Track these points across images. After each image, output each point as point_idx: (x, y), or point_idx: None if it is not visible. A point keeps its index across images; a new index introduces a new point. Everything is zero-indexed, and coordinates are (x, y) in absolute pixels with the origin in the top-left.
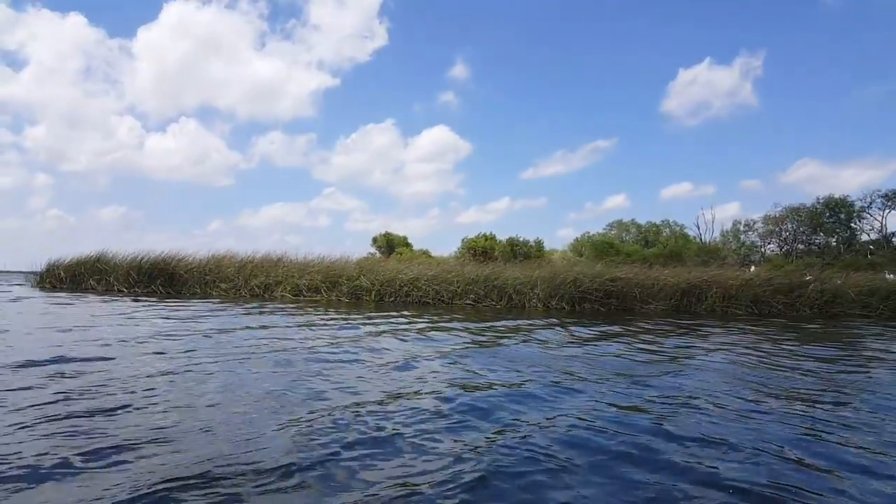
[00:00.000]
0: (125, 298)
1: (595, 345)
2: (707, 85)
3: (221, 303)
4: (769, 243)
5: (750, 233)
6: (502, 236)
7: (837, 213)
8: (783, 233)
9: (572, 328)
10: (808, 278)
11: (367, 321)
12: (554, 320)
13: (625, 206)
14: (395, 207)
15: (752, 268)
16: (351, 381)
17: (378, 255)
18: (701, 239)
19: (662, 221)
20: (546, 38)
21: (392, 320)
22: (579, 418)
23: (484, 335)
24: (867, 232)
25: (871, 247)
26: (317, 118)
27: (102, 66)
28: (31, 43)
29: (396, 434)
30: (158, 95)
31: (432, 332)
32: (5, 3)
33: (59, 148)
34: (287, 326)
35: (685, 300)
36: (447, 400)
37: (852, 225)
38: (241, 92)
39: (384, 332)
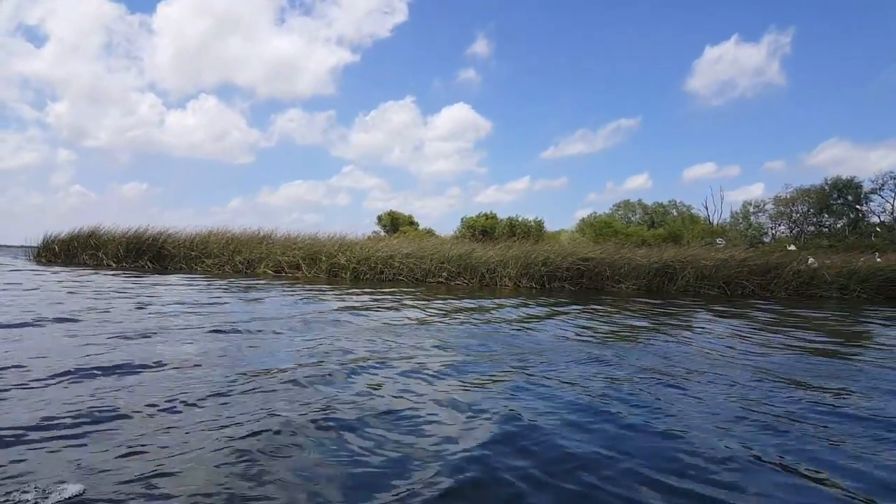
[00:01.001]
0: (105, 272)
1: (522, 324)
2: (734, 63)
3: (185, 276)
4: (780, 225)
5: (760, 214)
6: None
7: (845, 194)
8: (793, 214)
9: (519, 306)
10: (810, 261)
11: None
12: (505, 299)
13: (647, 186)
14: (415, 186)
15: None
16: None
17: (383, 233)
18: (709, 220)
19: (669, 202)
20: (569, 15)
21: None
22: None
23: (426, 310)
24: (878, 214)
25: (878, 229)
26: (336, 95)
27: (123, 43)
28: (52, 18)
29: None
30: (178, 72)
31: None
32: None
33: (80, 124)
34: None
35: (657, 280)
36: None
37: (857, 207)
38: (261, 69)
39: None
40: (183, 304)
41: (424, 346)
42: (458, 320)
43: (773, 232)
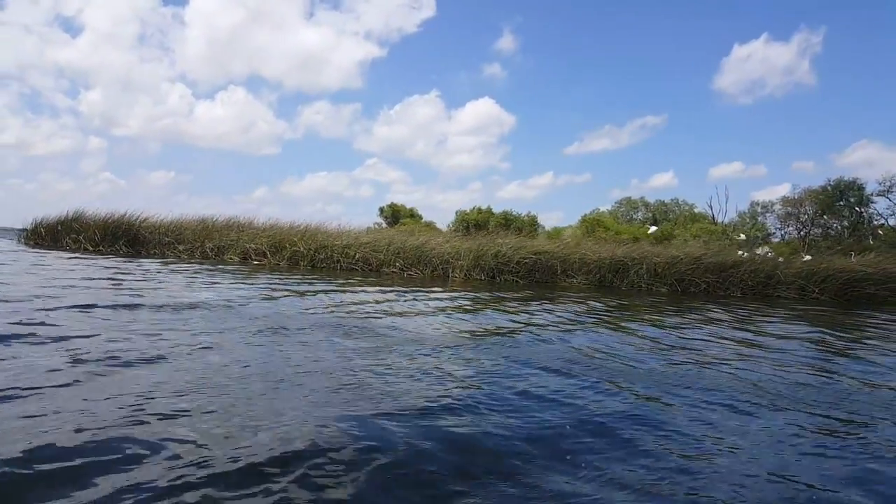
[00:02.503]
0: (66, 253)
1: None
2: (763, 62)
3: (129, 258)
4: (788, 226)
5: (769, 214)
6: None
7: (847, 196)
8: (801, 215)
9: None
10: (805, 258)
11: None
12: (425, 288)
13: (672, 183)
14: (437, 180)
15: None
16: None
17: (384, 225)
18: (714, 219)
19: (672, 200)
20: (596, 11)
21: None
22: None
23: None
24: (886, 218)
25: (880, 231)
26: (362, 89)
27: (156, 34)
28: (88, 9)
29: None
30: (208, 63)
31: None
32: None
33: (112, 113)
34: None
35: (609, 276)
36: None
37: (857, 209)
38: (289, 61)
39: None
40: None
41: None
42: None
43: (783, 233)
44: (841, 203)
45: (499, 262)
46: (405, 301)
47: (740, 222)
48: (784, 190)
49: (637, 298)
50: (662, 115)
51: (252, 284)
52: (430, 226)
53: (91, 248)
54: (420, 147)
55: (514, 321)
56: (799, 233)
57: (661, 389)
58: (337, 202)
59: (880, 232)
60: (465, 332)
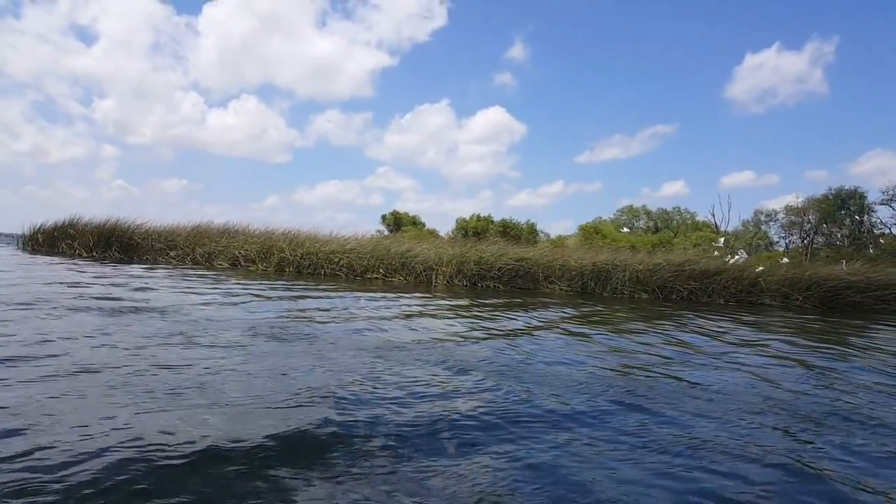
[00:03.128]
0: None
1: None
2: (775, 70)
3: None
4: (792, 234)
5: (773, 223)
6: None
7: (848, 205)
8: (805, 224)
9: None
10: (783, 260)
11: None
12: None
13: (683, 192)
14: (447, 188)
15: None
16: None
17: (386, 232)
18: (716, 227)
19: (674, 208)
20: (608, 20)
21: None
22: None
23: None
24: (890, 227)
25: (881, 240)
26: (373, 97)
27: (169, 43)
28: (103, 18)
29: None
30: (221, 72)
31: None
32: None
33: (125, 120)
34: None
35: (591, 283)
36: None
37: (857, 217)
38: (301, 70)
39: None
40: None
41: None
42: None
43: (787, 241)
44: (842, 212)
45: (481, 268)
46: (357, 307)
47: (744, 231)
48: (796, 199)
49: (609, 305)
50: (673, 124)
51: (214, 289)
52: (432, 233)
53: (85, 254)
54: (431, 155)
55: (449, 328)
56: (803, 241)
57: (545, 387)
58: (348, 210)
59: (881, 241)
60: (383, 338)
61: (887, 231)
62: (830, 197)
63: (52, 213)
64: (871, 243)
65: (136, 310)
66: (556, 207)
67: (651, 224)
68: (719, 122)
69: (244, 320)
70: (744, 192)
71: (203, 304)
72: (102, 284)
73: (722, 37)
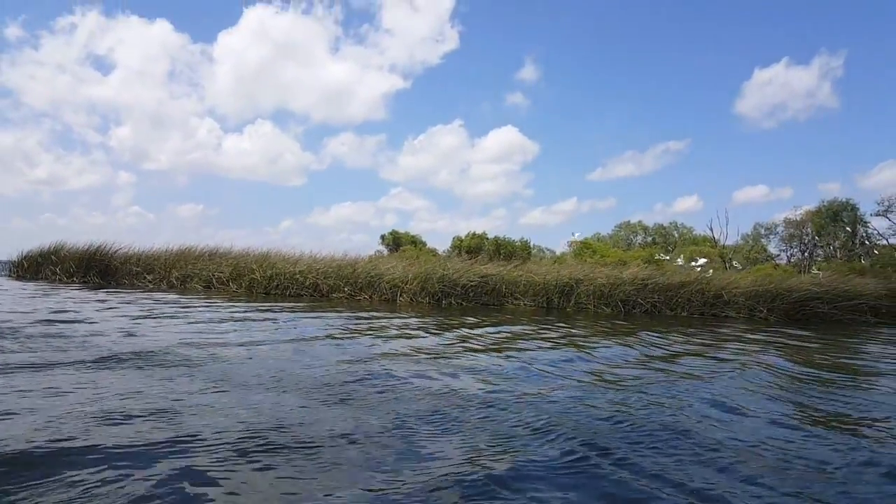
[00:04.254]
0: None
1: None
2: (784, 86)
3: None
4: (792, 247)
5: (772, 236)
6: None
7: (840, 217)
8: (804, 237)
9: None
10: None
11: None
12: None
13: (696, 207)
14: (461, 207)
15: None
16: None
17: (386, 252)
18: (715, 242)
19: (671, 223)
20: (617, 39)
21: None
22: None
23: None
24: (887, 237)
25: (876, 251)
26: (387, 120)
27: (185, 70)
28: (120, 48)
29: None
30: (236, 98)
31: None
32: (98, 11)
33: (142, 147)
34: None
35: (556, 297)
36: None
37: (849, 229)
38: (316, 95)
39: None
40: None
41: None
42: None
43: (788, 254)
44: (834, 225)
45: (444, 285)
46: (275, 328)
47: (743, 244)
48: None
49: (562, 320)
50: (685, 140)
51: (142, 308)
52: (431, 252)
53: (66, 279)
54: (444, 176)
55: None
56: (803, 254)
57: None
58: (363, 231)
59: (876, 252)
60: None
61: (885, 242)
62: (823, 209)
63: (68, 241)
64: (862, 255)
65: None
66: (570, 224)
67: (649, 239)
68: (731, 138)
69: (132, 343)
70: (758, 206)
71: (87, 322)
72: (27, 305)
73: (730, 53)
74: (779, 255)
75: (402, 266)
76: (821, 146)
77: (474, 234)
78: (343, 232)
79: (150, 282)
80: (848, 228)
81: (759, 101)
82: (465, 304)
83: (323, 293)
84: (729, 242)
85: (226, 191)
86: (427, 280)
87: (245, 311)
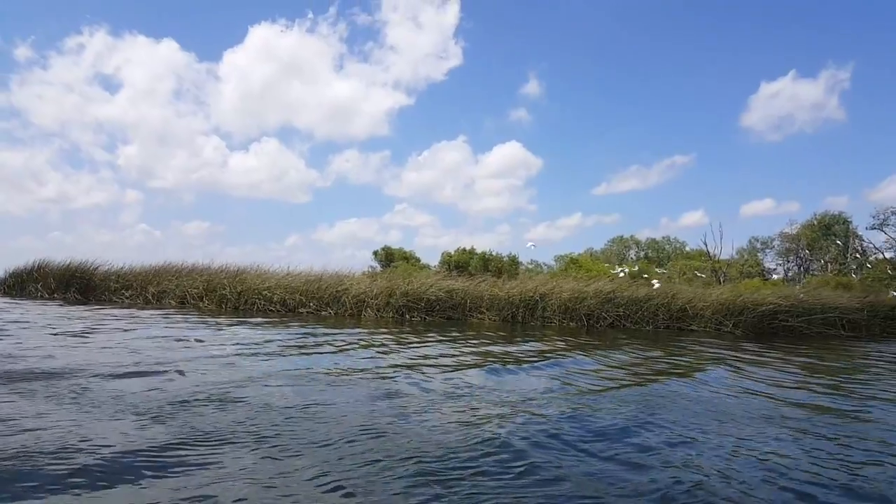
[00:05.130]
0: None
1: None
2: (791, 99)
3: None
4: (789, 260)
5: (768, 250)
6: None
7: (830, 231)
8: (800, 250)
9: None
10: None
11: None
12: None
13: (703, 222)
14: (465, 223)
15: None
16: None
17: (378, 268)
18: (709, 256)
19: (663, 237)
20: (621, 53)
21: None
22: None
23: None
24: (883, 250)
25: (869, 265)
26: (391, 136)
27: (192, 89)
28: (127, 67)
29: None
30: (242, 116)
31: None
32: (105, 31)
33: (148, 166)
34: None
35: (521, 311)
36: None
37: (839, 243)
38: (320, 112)
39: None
40: None
41: None
42: None
43: (786, 268)
44: (826, 239)
45: (408, 300)
46: (208, 344)
47: (738, 259)
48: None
49: (515, 333)
50: (690, 155)
51: (86, 324)
52: (423, 268)
53: (47, 296)
54: (448, 191)
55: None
56: (799, 268)
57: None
58: (367, 247)
59: (869, 265)
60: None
61: (881, 255)
62: (815, 223)
63: (74, 258)
64: (853, 269)
65: None
66: (574, 239)
67: (641, 254)
68: (737, 151)
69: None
70: (764, 220)
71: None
72: None
73: (736, 66)
74: (776, 270)
75: (369, 281)
76: (828, 159)
77: (463, 249)
78: (348, 248)
79: (127, 298)
80: (838, 242)
81: (765, 114)
82: (428, 318)
83: (290, 308)
84: (724, 256)
85: (232, 208)
86: (391, 294)
87: (186, 329)
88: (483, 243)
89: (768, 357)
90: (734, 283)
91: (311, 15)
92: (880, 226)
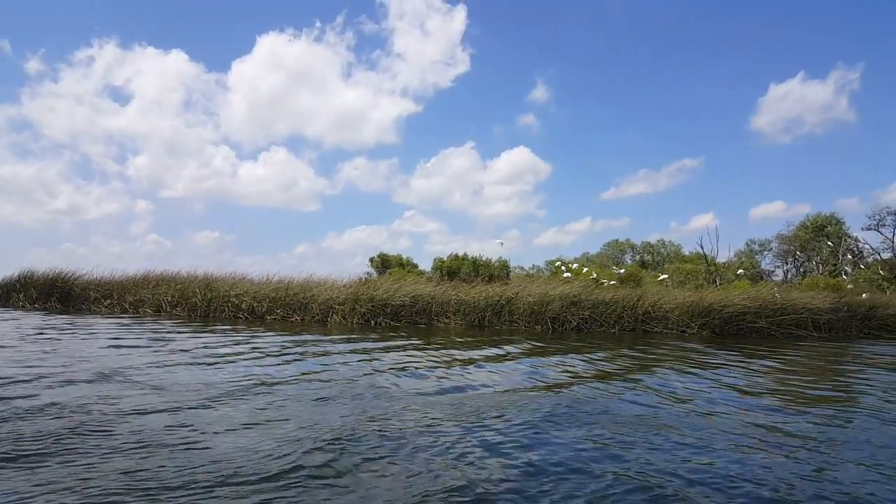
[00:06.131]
0: None
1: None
2: (800, 100)
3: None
4: (787, 262)
5: (766, 253)
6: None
7: (822, 233)
8: (797, 252)
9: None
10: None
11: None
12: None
13: (712, 225)
14: (474, 229)
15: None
16: None
17: (374, 275)
18: (705, 259)
19: (658, 241)
20: (629, 57)
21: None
22: None
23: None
24: (880, 252)
25: (862, 266)
26: (399, 143)
27: (201, 99)
28: (137, 79)
29: None
30: (251, 125)
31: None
32: (115, 43)
33: (159, 176)
34: None
35: (488, 316)
36: None
37: (830, 243)
38: (329, 120)
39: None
40: None
41: None
42: None
43: (785, 270)
44: (817, 239)
45: (374, 305)
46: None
47: (735, 261)
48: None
49: (479, 335)
50: (700, 158)
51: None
52: (418, 274)
53: (30, 306)
54: (457, 198)
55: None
56: (797, 270)
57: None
58: (377, 254)
59: (862, 266)
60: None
61: (878, 256)
62: (808, 224)
63: (86, 269)
64: (843, 271)
65: None
66: (584, 244)
67: (637, 258)
68: (746, 154)
69: None
70: (775, 222)
71: None
72: None
73: (745, 68)
74: (774, 272)
75: (338, 287)
76: (838, 161)
77: (455, 255)
78: (357, 255)
79: (105, 307)
80: (830, 243)
81: (775, 116)
82: (394, 323)
83: (258, 315)
84: (721, 259)
85: (241, 217)
86: (357, 301)
87: (132, 337)
88: (493, 250)
89: (723, 359)
90: (730, 285)
91: (318, 24)
92: (876, 226)
